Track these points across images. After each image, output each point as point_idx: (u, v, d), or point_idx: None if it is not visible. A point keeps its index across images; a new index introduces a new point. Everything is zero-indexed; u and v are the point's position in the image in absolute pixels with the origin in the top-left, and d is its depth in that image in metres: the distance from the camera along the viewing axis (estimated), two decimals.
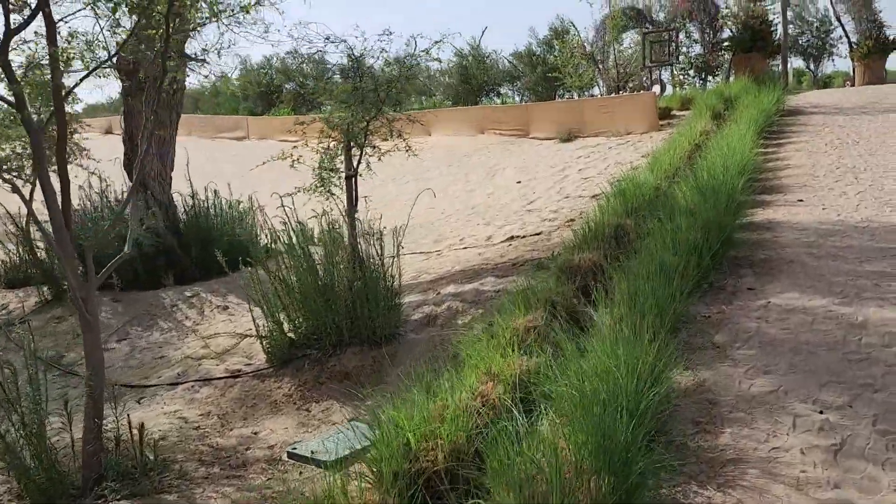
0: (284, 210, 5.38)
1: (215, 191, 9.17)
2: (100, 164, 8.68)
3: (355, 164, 6.15)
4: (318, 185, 6.00)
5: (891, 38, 22.73)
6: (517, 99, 25.76)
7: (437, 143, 19.33)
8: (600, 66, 18.50)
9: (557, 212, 9.78)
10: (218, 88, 29.77)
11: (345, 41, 6.54)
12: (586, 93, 22.01)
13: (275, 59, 32.22)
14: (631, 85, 21.76)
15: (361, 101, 5.90)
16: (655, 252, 5.11)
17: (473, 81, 25.24)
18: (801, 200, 7.34)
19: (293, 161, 5.86)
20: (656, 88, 20.20)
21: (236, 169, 15.74)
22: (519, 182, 13.04)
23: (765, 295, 4.80)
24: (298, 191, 5.87)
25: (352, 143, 6.08)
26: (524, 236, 8.75)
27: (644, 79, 20.23)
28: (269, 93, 31.77)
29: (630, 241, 5.95)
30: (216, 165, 17.65)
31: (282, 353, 5.12)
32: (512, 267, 7.15)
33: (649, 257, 5.01)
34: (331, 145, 6.15)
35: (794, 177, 8.44)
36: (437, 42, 5.74)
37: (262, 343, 5.22)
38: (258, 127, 26.01)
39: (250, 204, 8.55)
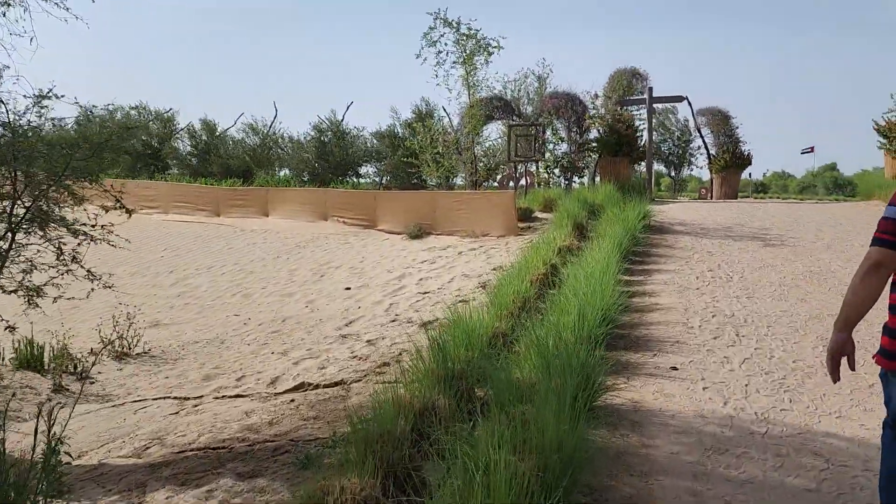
0: None
1: None
2: None
3: None
4: None
5: (746, 153, 23.14)
6: (378, 181, 23.89)
7: (274, 226, 16.84)
8: (463, 156, 16.95)
9: (376, 343, 7.55)
10: None
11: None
12: (452, 181, 20.49)
13: None
14: (498, 177, 20.49)
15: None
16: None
17: (331, 158, 23.16)
18: (675, 369, 5.51)
19: None
20: (524, 181, 18.95)
21: None
22: (348, 289, 10.77)
23: None
24: None
25: None
26: (318, 385, 6.40)
27: (505, 174, 18.98)
28: None
29: (432, 448, 3.75)
30: None
31: None
32: (271, 455, 4.75)
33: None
34: None
35: (664, 325, 6.71)
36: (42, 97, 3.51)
37: None
38: None
39: None
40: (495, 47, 14.34)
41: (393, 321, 8.51)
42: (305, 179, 23.73)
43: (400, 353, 6.83)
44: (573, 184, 18.12)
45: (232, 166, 26.24)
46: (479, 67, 14.45)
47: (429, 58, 14.88)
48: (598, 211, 12.48)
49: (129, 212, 5.27)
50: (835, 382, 2.68)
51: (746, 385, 5.15)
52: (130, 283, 12.25)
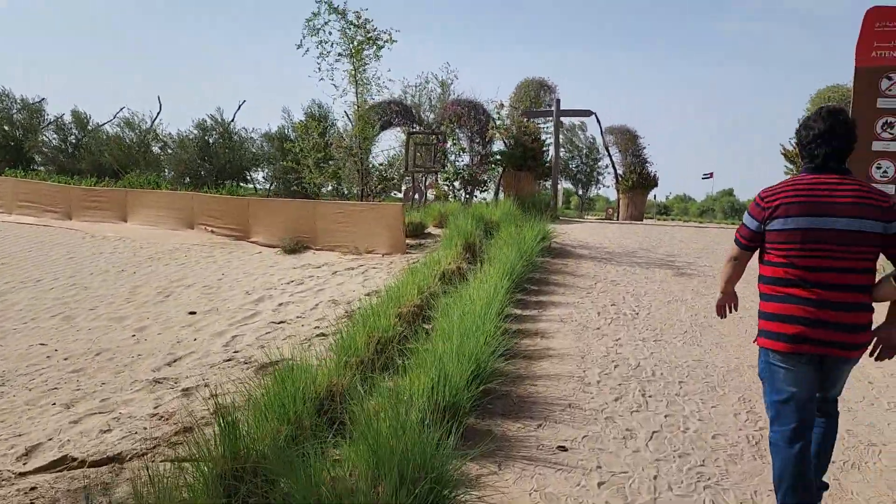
0: None
1: None
2: None
3: None
4: None
5: (653, 174, 22.68)
6: (268, 188, 21.86)
7: (131, 233, 14.66)
8: (358, 163, 15.33)
9: (192, 394, 5.82)
10: None
11: None
12: (351, 190, 18.82)
13: None
14: (403, 188, 19.00)
15: None
16: None
17: (216, 161, 21.01)
18: (564, 449, 4.13)
19: None
20: (430, 193, 17.54)
21: None
22: (192, 313, 8.94)
23: None
24: None
25: None
26: (85, 461, 4.62)
27: (409, 186, 17.52)
28: None
29: None
30: None
31: None
32: None
33: None
34: None
35: (556, 379, 5.34)
36: None
37: None
38: None
39: None
40: (387, 41, 12.85)
41: (228, 360, 6.79)
42: (187, 182, 21.44)
43: (209, 413, 5.15)
44: (474, 198, 16.84)
45: (104, 164, 23.60)
46: (368, 63, 12.94)
47: (311, 48, 13.20)
48: (495, 229, 11.17)
49: None
50: (722, 318, 3.57)
51: (655, 477, 3.81)
52: None
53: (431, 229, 13.28)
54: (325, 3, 12.38)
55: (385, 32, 12.80)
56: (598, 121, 20.51)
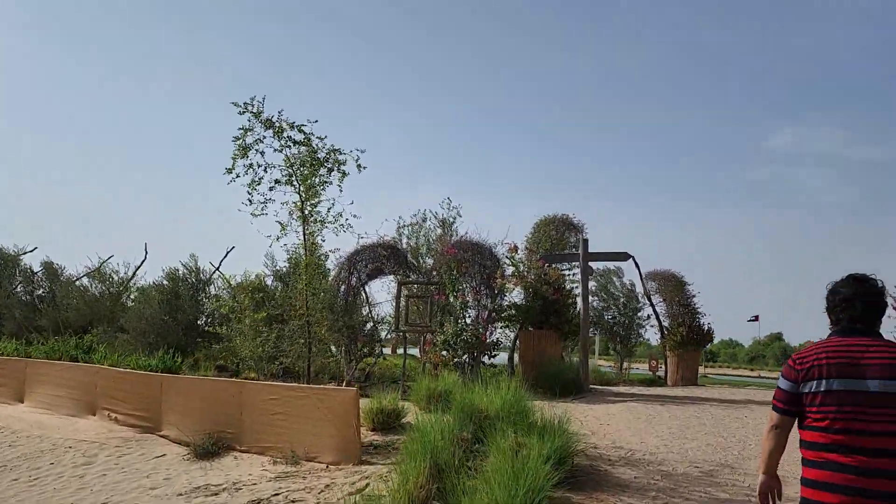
0: None
1: None
2: None
3: None
4: None
5: (706, 328, 18.79)
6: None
7: (18, 420, 11.13)
8: (304, 328, 11.78)
9: None
10: None
11: None
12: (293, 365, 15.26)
13: None
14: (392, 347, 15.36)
15: None
16: None
17: (181, 315, 17.85)
18: None
19: None
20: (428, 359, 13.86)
21: None
22: None
23: None
24: None
25: None
26: None
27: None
28: None
29: None
30: None
31: None
32: None
33: None
34: None
35: None
36: None
37: None
38: None
39: None
40: (344, 161, 9.73)
41: None
42: (150, 341, 18.18)
43: None
44: (481, 365, 13.10)
45: (69, 320, 20.69)
46: (320, 193, 9.85)
47: (241, 174, 10.00)
48: (491, 430, 7.34)
49: None
50: None
51: None
52: None
53: (416, 413, 9.48)
54: (251, 112, 9.50)
55: (346, 153, 9.79)
56: (637, 264, 17.06)
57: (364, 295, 17.14)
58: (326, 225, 10.18)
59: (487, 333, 13.19)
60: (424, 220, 15.70)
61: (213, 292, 19.40)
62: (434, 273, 14.05)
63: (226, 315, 15.03)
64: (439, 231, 15.26)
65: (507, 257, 13.99)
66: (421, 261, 15.32)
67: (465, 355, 12.97)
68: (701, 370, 29.09)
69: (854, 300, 2.95)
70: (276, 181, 9.74)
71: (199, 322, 18.52)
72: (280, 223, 10.09)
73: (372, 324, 19.33)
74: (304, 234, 10.24)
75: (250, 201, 9.79)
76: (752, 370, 67.73)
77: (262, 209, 9.66)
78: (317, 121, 10.01)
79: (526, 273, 13.92)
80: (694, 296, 18.84)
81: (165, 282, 19.05)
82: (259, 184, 9.70)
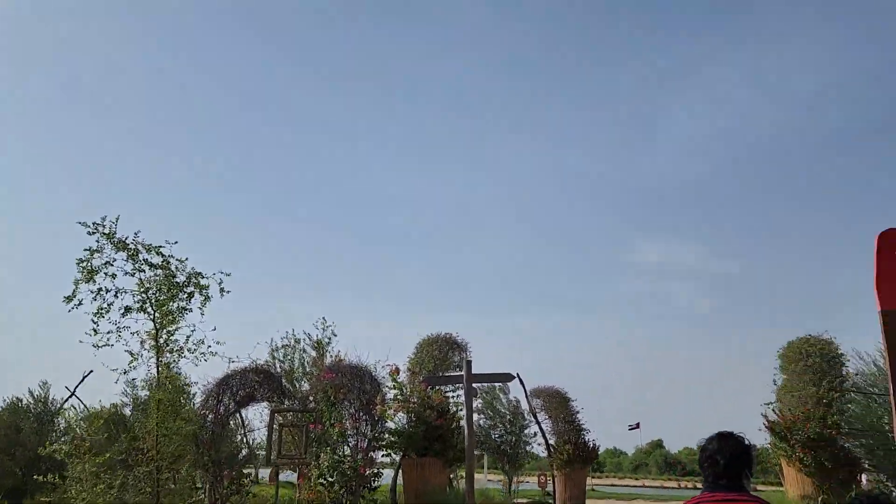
0: None
1: None
2: None
3: None
4: None
5: (591, 444, 18.67)
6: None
7: None
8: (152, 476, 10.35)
9: None
10: None
11: None
12: None
13: None
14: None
15: None
16: None
17: (22, 451, 15.67)
18: None
19: None
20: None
21: None
22: None
23: None
24: None
25: None
26: None
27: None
28: None
29: None
30: None
31: None
32: None
33: None
34: None
35: None
36: None
37: None
38: None
39: None
40: (207, 286, 9.01)
41: None
42: None
43: None
44: (362, 499, 12.10)
45: None
46: (178, 320, 9.02)
47: (86, 300, 8.99)
48: None
49: None
50: None
51: None
52: None
53: None
54: (102, 234, 8.70)
55: (207, 277, 9.09)
56: (522, 383, 16.85)
57: (240, 418, 15.85)
58: (185, 355, 9.28)
59: (366, 464, 12.29)
60: (297, 341, 14.93)
61: (62, 425, 17.29)
62: (310, 399, 13.14)
63: (60, 460, 13.19)
64: (313, 354, 14.47)
65: (390, 379, 13.34)
66: (297, 385, 14.39)
67: (343, 489, 11.96)
68: (589, 482, 28.93)
69: (717, 456, 3.05)
70: (128, 308, 8.83)
71: (41, 459, 16.30)
72: (130, 353, 9.10)
73: (247, 450, 17.67)
74: (158, 366, 9.25)
75: (95, 331, 8.75)
76: (636, 479, 68.53)
77: (108, 340, 8.66)
78: (176, 242, 9.31)
79: (409, 396, 13.30)
80: (578, 412, 18.81)
81: (5, 415, 16.83)
82: (108, 311, 8.75)
